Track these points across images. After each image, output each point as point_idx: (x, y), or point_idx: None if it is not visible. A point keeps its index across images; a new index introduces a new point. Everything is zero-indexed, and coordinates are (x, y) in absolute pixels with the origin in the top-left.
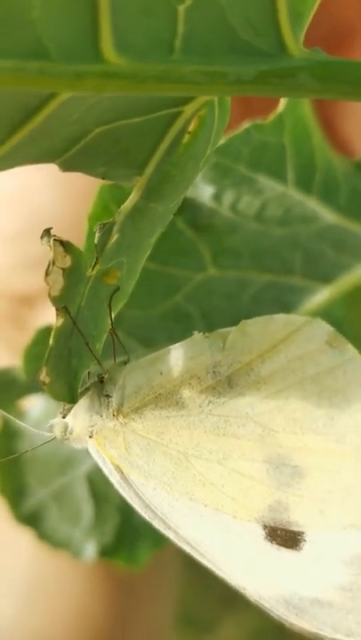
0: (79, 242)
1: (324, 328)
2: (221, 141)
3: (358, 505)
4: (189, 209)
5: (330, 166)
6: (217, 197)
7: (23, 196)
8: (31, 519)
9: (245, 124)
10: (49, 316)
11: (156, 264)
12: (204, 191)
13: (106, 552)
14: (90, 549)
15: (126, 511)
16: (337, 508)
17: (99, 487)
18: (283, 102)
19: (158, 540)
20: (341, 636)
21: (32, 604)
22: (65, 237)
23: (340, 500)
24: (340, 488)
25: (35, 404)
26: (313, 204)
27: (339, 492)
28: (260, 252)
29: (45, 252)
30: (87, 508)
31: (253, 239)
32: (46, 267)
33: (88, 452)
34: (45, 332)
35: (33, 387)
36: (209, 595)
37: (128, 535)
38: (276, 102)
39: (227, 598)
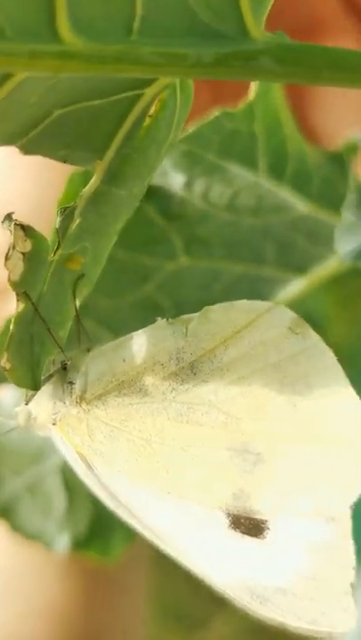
0: (49, 231)
1: (286, 314)
2: (191, 129)
3: (321, 492)
4: (160, 197)
5: (302, 155)
6: (188, 186)
7: None
8: (4, 510)
9: (215, 112)
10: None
11: (127, 252)
12: (174, 179)
13: (79, 544)
14: (63, 541)
15: (99, 503)
16: (300, 495)
17: (72, 478)
18: (253, 90)
19: (132, 532)
20: (305, 625)
21: (5, 592)
22: (26, 222)
23: (304, 486)
24: (303, 474)
25: (6, 394)
26: (285, 194)
27: (302, 479)
28: (232, 242)
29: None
30: (60, 500)
31: (225, 229)
32: (6, 251)
33: None
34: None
35: (3, 376)
36: (200, 592)
37: (102, 527)
38: (246, 88)
39: (217, 595)
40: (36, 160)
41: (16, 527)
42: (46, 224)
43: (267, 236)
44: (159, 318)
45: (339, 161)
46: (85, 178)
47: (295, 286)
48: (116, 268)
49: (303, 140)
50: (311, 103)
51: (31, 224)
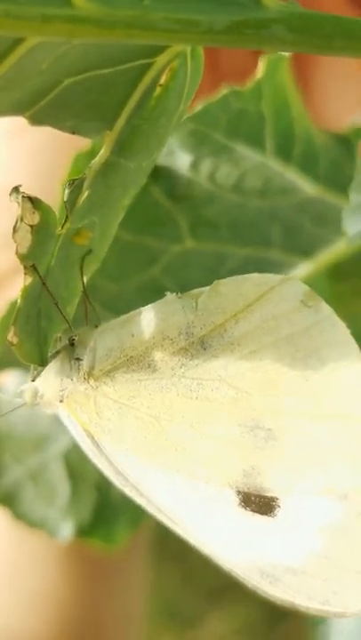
0: None
1: (299, 287)
2: (198, 107)
3: (333, 469)
4: (166, 178)
5: (309, 137)
6: (194, 166)
7: None
8: (7, 498)
9: (223, 90)
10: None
11: (132, 235)
12: (181, 159)
13: (83, 531)
14: (66, 529)
15: (103, 489)
16: (312, 472)
17: (75, 465)
18: (261, 68)
19: (136, 518)
20: (316, 605)
21: (3, 593)
22: (34, 194)
23: (315, 463)
24: (315, 451)
25: (10, 379)
26: (292, 176)
27: (314, 456)
28: (238, 225)
29: (8, 231)
30: (64, 487)
31: (232, 211)
32: (14, 223)
33: (64, 429)
34: None
35: (8, 360)
36: (194, 589)
37: (105, 514)
38: (246, 66)
39: (211, 594)
40: (35, 144)
41: (19, 515)
42: (54, 204)
43: (273, 218)
44: (168, 293)
45: (346, 143)
46: (91, 158)
47: (302, 269)
48: (121, 251)
49: (310, 121)
50: (314, 87)
51: None
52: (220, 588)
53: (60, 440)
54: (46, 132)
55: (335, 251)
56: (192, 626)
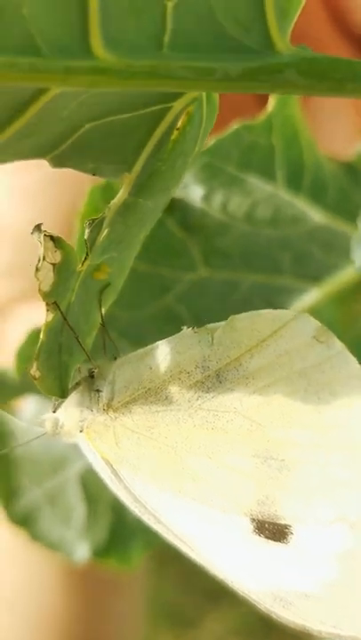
0: None
1: (311, 323)
2: (211, 142)
3: (345, 498)
4: (179, 210)
5: (318, 166)
6: (207, 198)
7: None
8: (24, 520)
9: (235, 125)
10: (17, 326)
11: (147, 265)
12: (194, 192)
13: (99, 553)
14: (83, 550)
15: (119, 511)
16: (324, 502)
17: (92, 487)
18: (272, 102)
19: (151, 540)
20: (328, 629)
21: (3, 603)
22: (55, 233)
23: (328, 493)
24: (327, 482)
25: (27, 405)
26: (302, 205)
27: (326, 486)
28: (250, 253)
29: (11, 260)
30: (80, 509)
31: (243, 240)
32: (36, 262)
33: (80, 452)
34: (38, 332)
35: (26, 387)
36: (192, 591)
37: (121, 535)
38: (257, 100)
39: (210, 594)
40: (37, 181)
41: (36, 536)
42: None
43: (284, 246)
44: (185, 327)
45: (353, 171)
46: (105, 191)
47: (311, 296)
48: (136, 280)
49: (319, 150)
50: (314, 116)
51: (30, 242)
52: (218, 589)
53: (77, 463)
54: (45, 169)
55: (343, 277)
56: (191, 626)
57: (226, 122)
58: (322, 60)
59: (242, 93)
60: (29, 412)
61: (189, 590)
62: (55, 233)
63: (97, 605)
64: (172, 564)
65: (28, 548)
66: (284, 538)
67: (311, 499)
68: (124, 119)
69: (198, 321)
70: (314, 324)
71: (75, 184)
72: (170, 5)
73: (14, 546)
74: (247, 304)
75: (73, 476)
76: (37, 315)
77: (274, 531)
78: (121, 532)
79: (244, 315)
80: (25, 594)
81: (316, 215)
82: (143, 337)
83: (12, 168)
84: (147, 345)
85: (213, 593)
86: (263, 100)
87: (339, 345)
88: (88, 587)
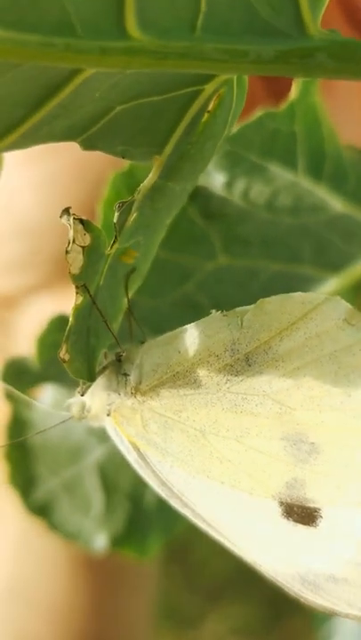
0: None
1: (342, 306)
2: (234, 130)
3: None
4: (201, 197)
5: (339, 155)
6: (228, 186)
7: (3, 199)
8: (42, 509)
9: (258, 113)
10: (31, 316)
11: (168, 252)
12: (215, 180)
13: (116, 542)
14: (100, 540)
15: (136, 500)
16: (354, 485)
17: (109, 476)
18: (294, 90)
19: (169, 528)
20: (356, 612)
21: (12, 596)
22: (84, 216)
23: (357, 476)
24: (356, 463)
25: (46, 393)
26: (322, 193)
27: (355, 468)
28: (270, 241)
29: (23, 252)
30: (97, 498)
31: (264, 228)
32: (66, 245)
33: (98, 441)
34: (59, 319)
35: (46, 375)
36: (193, 591)
37: (138, 525)
38: (275, 92)
39: (211, 594)
40: (46, 172)
41: (54, 526)
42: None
43: (304, 234)
44: (213, 310)
45: None
46: (128, 178)
47: (330, 284)
48: (157, 268)
49: (339, 139)
50: (335, 104)
51: (45, 232)
52: (219, 588)
53: (95, 452)
54: (59, 160)
55: None
56: (191, 626)
57: (245, 112)
58: (352, 43)
59: (257, 83)
60: (48, 399)
61: (190, 590)
62: (84, 216)
63: (107, 598)
64: (173, 563)
65: (37, 540)
66: (313, 521)
67: (340, 482)
68: (156, 101)
69: (219, 308)
70: (345, 306)
71: (90, 174)
72: None
73: (24, 535)
74: (267, 292)
75: (90, 465)
76: (51, 306)
77: (302, 514)
78: (138, 521)
79: (274, 297)
80: (34, 585)
81: (337, 204)
82: (164, 324)
83: (27, 158)
84: (167, 332)
85: (214, 593)
86: (278, 92)
87: None
88: (97, 578)
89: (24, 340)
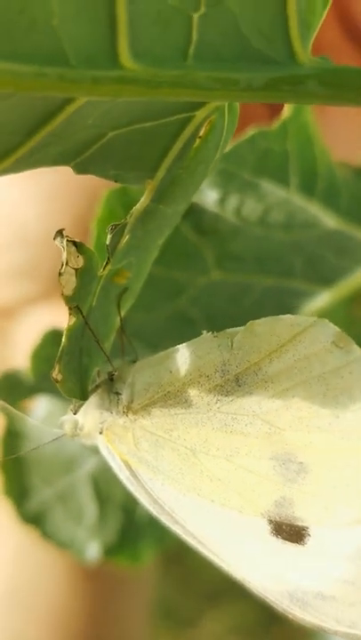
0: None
1: (330, 328)
2: (227, 148)
3: None
4: (194, 214)
5: (331, 172)
6: (221, 202)
7: (3, 211)
8: (35, 519)
9: (250, 131)
10: (28, 327)
11: (161, 268)
12: (208, 196)
13: (109, 551)
14: (93, 549)
15: (129, 511)
16: (341, 504)
17: (102, 487)
18: (287, 109)
19: (161, 538)
20: (344, 629)
21: (11, 603)
22: (77, 238)
23: (345, 495)
24: (344, 484)
25: (40, 405)
26: (315, 210)
27: (343, 488)
28: (262, 257)
29: (23, 263)
30: (91, 508)
31: (256, 244)
32: (60, 267)
33: (91, 452)
34: (53, 333)
35: (40, 388)
36: (191, 590)
37: (131, 535)
38: (268, 108)
39: (209, 594)
40: (49, 185)
41: (47, 536)
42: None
43: (296, 250)
44: (205, 331)
45: None
46: (122, 196)
47: (323, 299)
48: (151, 283)
49: (332, 157)
50: (328, 123)
51: (43, 244)
52: (216, 589)
53: (88, 462)
54: (60, 174)
55: (355, 280)
56: (189, 626)
57: (239, 129)
58: (343, 70)
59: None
60: (42, 411)
61: (188, 590)
62: (77, 239)
63: (105, 603)
64: (170, 564)
65: (35, 548)
66: (302, 539)
67: (329, 501)
68: (148, 127)
69: (211, 324)
70: (333, 329)
71: (90, 188)
72: (195, 17)
73: (21, 544)
74: (260, 307)
75: (84, 475)
76: (49, 317)
77: (291, 532)
78: (131, 531)
79: (263, 320)
80: (33, 591)
81: (329, 220)
82: (157, 339)
83: (27, 173)
84: (160, 347)
85: (212, 593)
86: (275, 108)
87: (358, 350)
88: (95, 585)
89: (21, 351)
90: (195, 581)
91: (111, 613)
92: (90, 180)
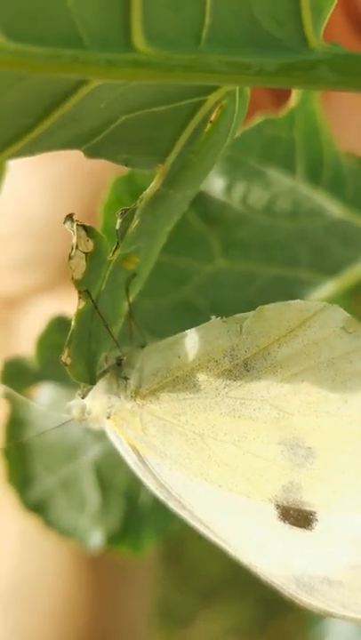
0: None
1: (339, 314)
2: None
3: None
4: (200, 201)
5: (337, 161)
6: (228, 190)
7: (9, 201)
8: (38, 507)
9: (257, 119)
10: (33, 317)
11: (167, 255)
12: (215, 184)
13: (112, 539)
14: (96, 537)
15: (132, 498)
16: (349, 489)
17: (105, 475)
18: (294, 98)
19: (163, 527)
20: (351, 614)
21: (14, 594)
22: (88, 222)
23: (353, 480)
24: (352, 469)
25: (44, 392)
26: (320, 199)
27: (351, 473)
28: (268, 245)
29: (29, 253)
30: (93, 496)
31: (262, 232)
32: (70, 250)
33: (94, 440)
34: (58, 320)
35: (45, 375)
36: (187, 589)
37: (134, 523)
38: (276, 97)
39: (203, 594)
40: (55, 175)
41: (50, 523)
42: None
43: (302, 239)
44: (213, 316)
45: None
46: (128, 183)
47: (328, 288)
48: (157, 270)
49: (338, 146)
50: (335, 112)
51: (49, 234)
52: (212, 588)
53: (91, 450)
54: (66, 163)
55: (359, 270)
56: (184, 625)
57: (247, 116)
58: (354, 57)
59: (261, 88)
60: (46, 399)
61: (184, 589)
62: (87, 223)
63: (108, 596)
64: (167, 562)
65: (38, 537)
66: (309, 524)
67: (336, 486)
68: (160, 111)
69: (217, 312)
70: (342, 314)
71: (95, 178)
72: (209, 1)
73: (24, 534)
74: (265, 296)
75: (87, 463)
76: (54, 307)
77: (298, 517)
78: (133, 519)
79: (272, 305)
80: (36, 583)
81: (335, 209)
82: (163, 326)
83: (27, 161)
84: (165, 334)
85: (207, 592)
86: (280, 96)
87: None
88: (98, 576)
89: (26, 341)
90: (191, 581)
91: (114, 604)
92: (95, 170)
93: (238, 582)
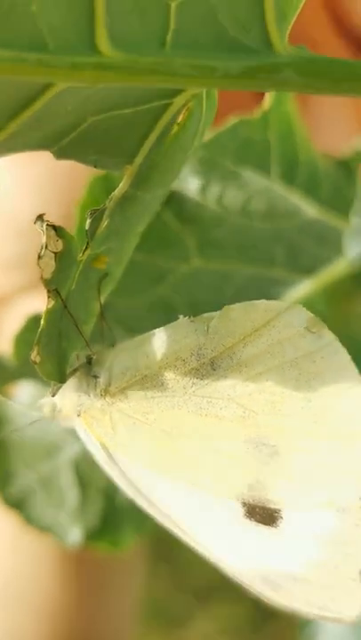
0: None
1: (303, 314)
2: (209, 136)
3: (333, 484)
4: (176, 201)
5: (312, 162)
6: (203, 190)
7: None
8: (18, 503)
9: (232, 120)
10: (19, 316)
11: (143, 254)
12: (190, 184)
13: (91, 536)
14: (75, 534)
15: (110, 496)
16: (313, 487)
17: (84, 472)
18: (268, 99)
19: (142, 523)
20: (315, 610)
21: (2, 594)
22: (57, 222)
23: (317, 478)
24: (316, 467)
25: (23, 390)
26: (296, 199)
27: (315, 472)
28: (244, 245)
29: (16, 252)
30: (72, 493)
31: (238, 232)
32: (39, 250)
33: (73, 437)
34: (35, 318)
35: (23, 372)
36: (181, 590)
37: (112, 519)
38: (254, 95)
39: (199, 594)
40: (41, 173)
41: (29, 520)
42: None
43: (277, 239)
44: (181, 316)
45: (346, 168)
46: (105, 183)
47: (303, 287)
48: (133, 269)
49: (313, 147)
50: (311, 113)
51: (36, 234)
52: (207, 588)
53: (70, 448)
54: (51, 162)
55: (335, 270)
56: (179, 626)
57: (223, 116)
58: (319, 60)
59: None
60: (25, 396)
61: (178, 589)
62: (57, 223)
63: (94, 596)
64: (161, 562)
65: (22, 534)
66: (274, 522)
67: (301, 484)
68: (127, 114)
69: (192, 310)
70: (306, 314)
71: (77, 176)
72: (173, 6)
73: (8, 531)
74: (241, 295)
75: (66, 460)
76: (38, 306)
77: (264, 515)
78: (112, 516)
79: (238, 305)
80: (25, 583)
81: (310, 209)
82: (138, 324)
83: (15, 161)
84: (142, 332)
85: (202, 592)
86: (260, 95)
87: (330, 336)
88: (83, 574)
89: (7, 339)
90: (185, 581)
91: (100, 604)
92: (78, 167)
93: (234, 583)
